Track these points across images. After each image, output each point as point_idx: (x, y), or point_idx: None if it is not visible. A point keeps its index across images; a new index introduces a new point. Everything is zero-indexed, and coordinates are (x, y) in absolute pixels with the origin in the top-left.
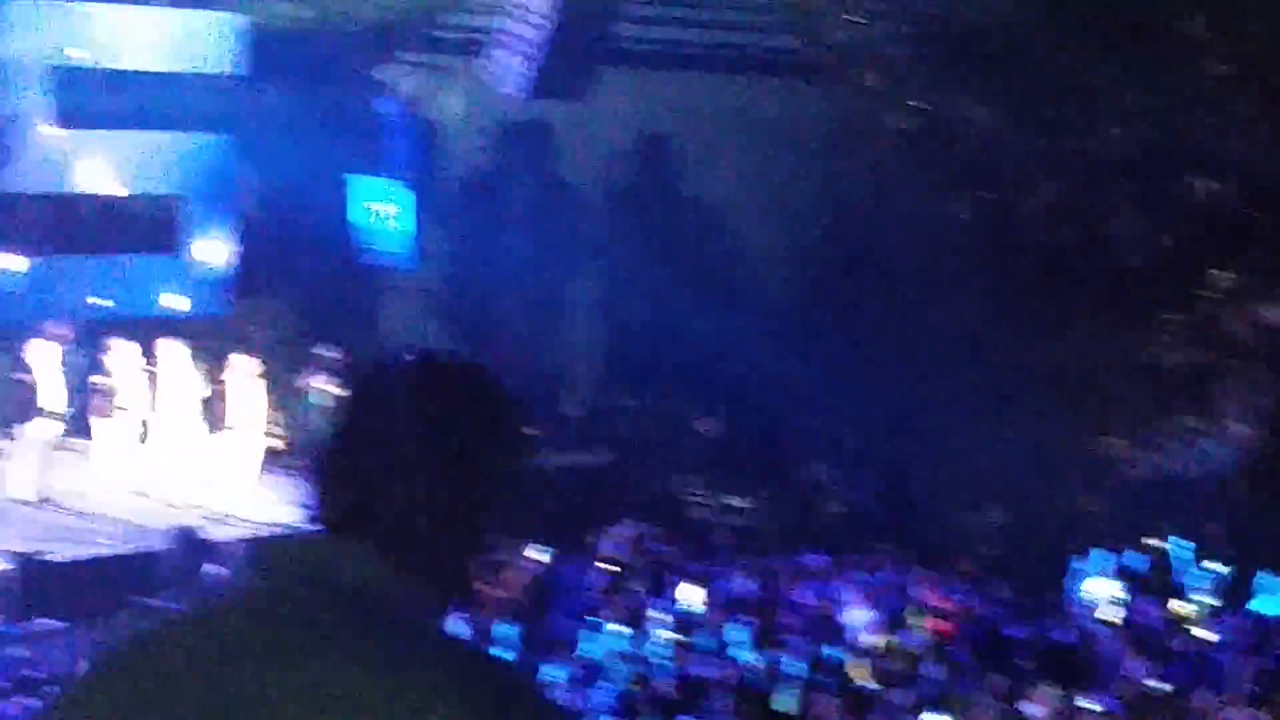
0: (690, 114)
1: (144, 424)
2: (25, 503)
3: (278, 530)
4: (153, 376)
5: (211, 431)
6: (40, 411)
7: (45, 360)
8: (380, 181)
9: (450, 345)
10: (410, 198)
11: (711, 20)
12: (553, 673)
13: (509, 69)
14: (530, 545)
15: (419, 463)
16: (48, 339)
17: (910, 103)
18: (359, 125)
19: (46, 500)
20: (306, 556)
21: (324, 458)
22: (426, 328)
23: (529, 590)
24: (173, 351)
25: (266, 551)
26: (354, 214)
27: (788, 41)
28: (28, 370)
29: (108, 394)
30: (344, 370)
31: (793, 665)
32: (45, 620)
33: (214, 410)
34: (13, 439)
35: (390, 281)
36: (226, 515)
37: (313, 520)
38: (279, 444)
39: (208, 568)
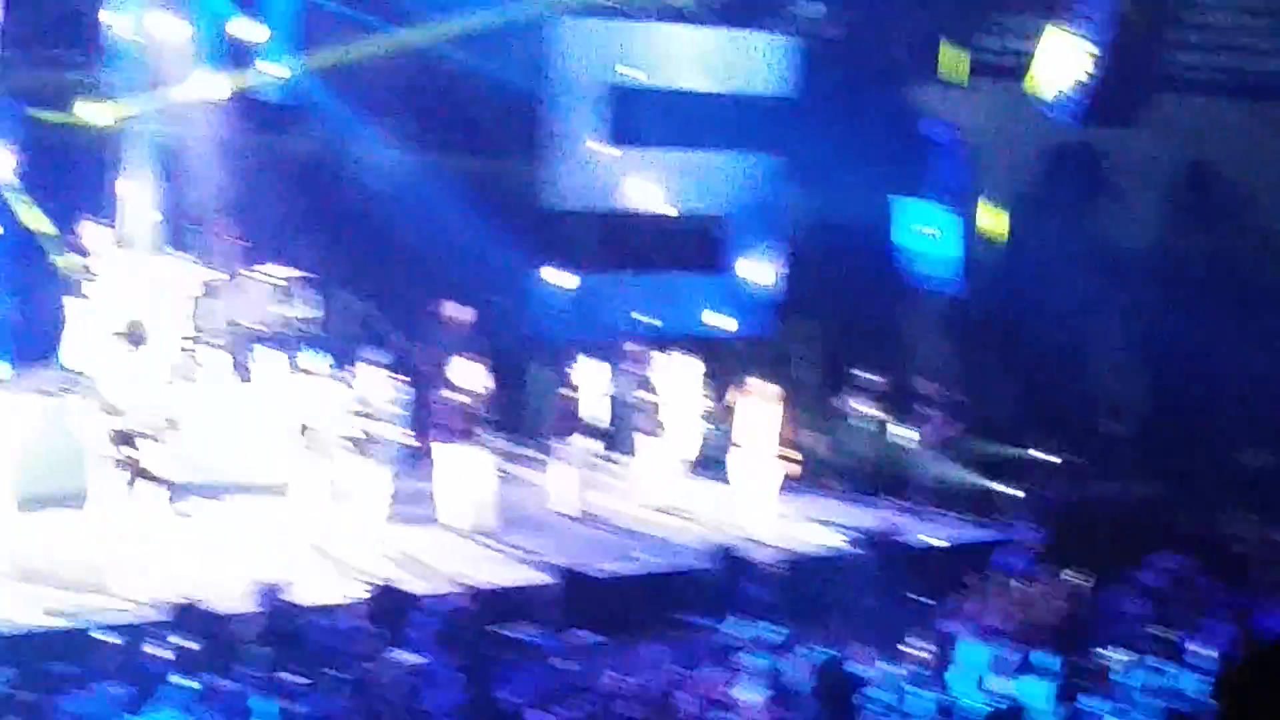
0: (1242, 142)
1: (678, 441)
2: (567, 516)
3: (811, 552)
4: (691, 395)
5: (743, 451)
6: (584, 427)
7: (591, 376)
8: (925, 204)
9: (993, 370)
10: (955, 221)
11: (1270, 48)
12: (1090, 704)
13: (1060, 93)
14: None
15: None
16: (624, 358)
17: None
18: (904, 147)
19: (587, 515)
20: None
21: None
22: (969, 353)
23: (1068, 618)
24: (709, 370)
25: None
26: (898, 236)
27: None
28: (574, 386)
29: (650, 411)
30: (882, 393)
31: None
32: (583, 633)
33: (747, 430)
34: (558, 454)
35: (933, 305)
36: (759, 537)
37: None
38: (816, 465)
39: (749, 589)
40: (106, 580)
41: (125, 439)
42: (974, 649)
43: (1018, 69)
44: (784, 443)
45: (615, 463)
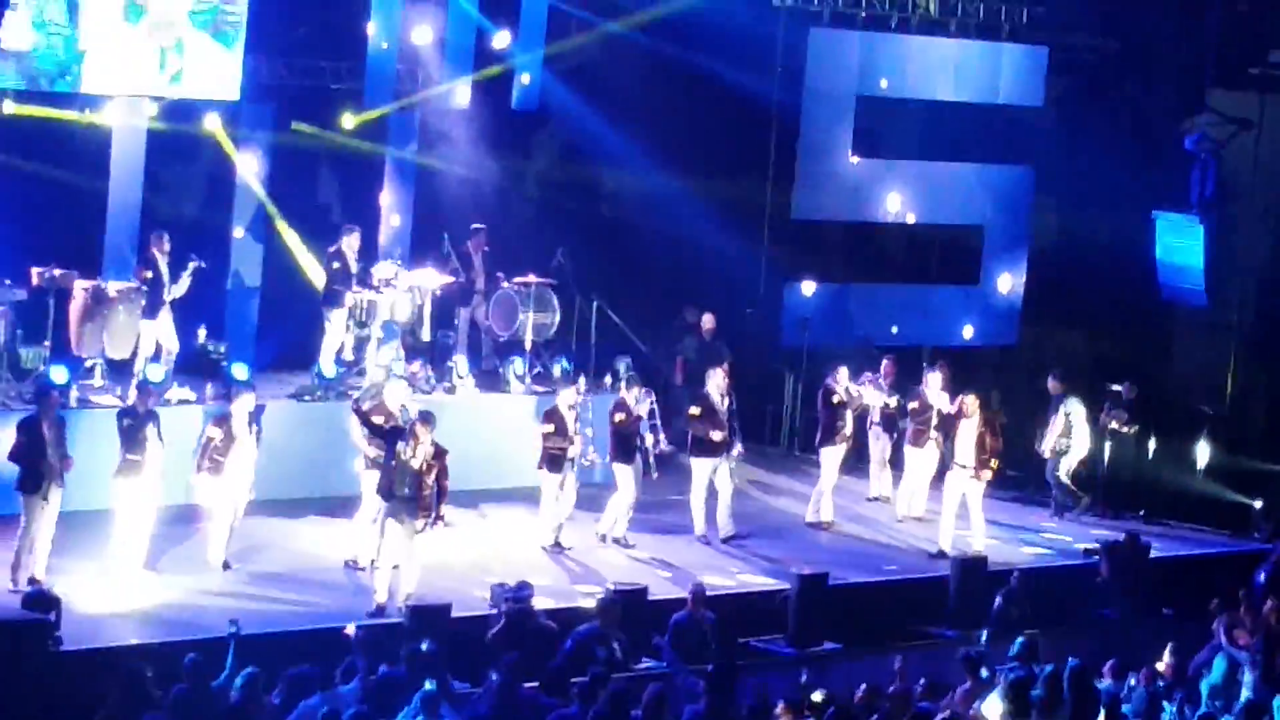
0: None
1: (927, 452)
2: (813, 525)
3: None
4: (940, 405)
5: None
6: (834, 437)
7: (841, 386)
8: (1177, 217)
9: (1244, 385)
10: (1206, 234)
11: None
12: None
13: None
14: None
15: None
16: (873, 368)
17: None
18: (1157, 159)
19: (834, 524)
20: None
21: None
22: (1218, 366)
23: None
24: (961, 380)
25: None
26: (1150, 249)
27: None
28: (824, 396)
29: (899, 422)
30: (1136, 407)
31: None
32: (828, 643)
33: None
34: (808, 463)
35: (1184, 317)
36: (1000, 548)
37: None
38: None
39: (996, 599)
40: (358, 581)
41: (384, 443)
42: (1223, 663)
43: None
44: (980, 458)
45: (863, 472)
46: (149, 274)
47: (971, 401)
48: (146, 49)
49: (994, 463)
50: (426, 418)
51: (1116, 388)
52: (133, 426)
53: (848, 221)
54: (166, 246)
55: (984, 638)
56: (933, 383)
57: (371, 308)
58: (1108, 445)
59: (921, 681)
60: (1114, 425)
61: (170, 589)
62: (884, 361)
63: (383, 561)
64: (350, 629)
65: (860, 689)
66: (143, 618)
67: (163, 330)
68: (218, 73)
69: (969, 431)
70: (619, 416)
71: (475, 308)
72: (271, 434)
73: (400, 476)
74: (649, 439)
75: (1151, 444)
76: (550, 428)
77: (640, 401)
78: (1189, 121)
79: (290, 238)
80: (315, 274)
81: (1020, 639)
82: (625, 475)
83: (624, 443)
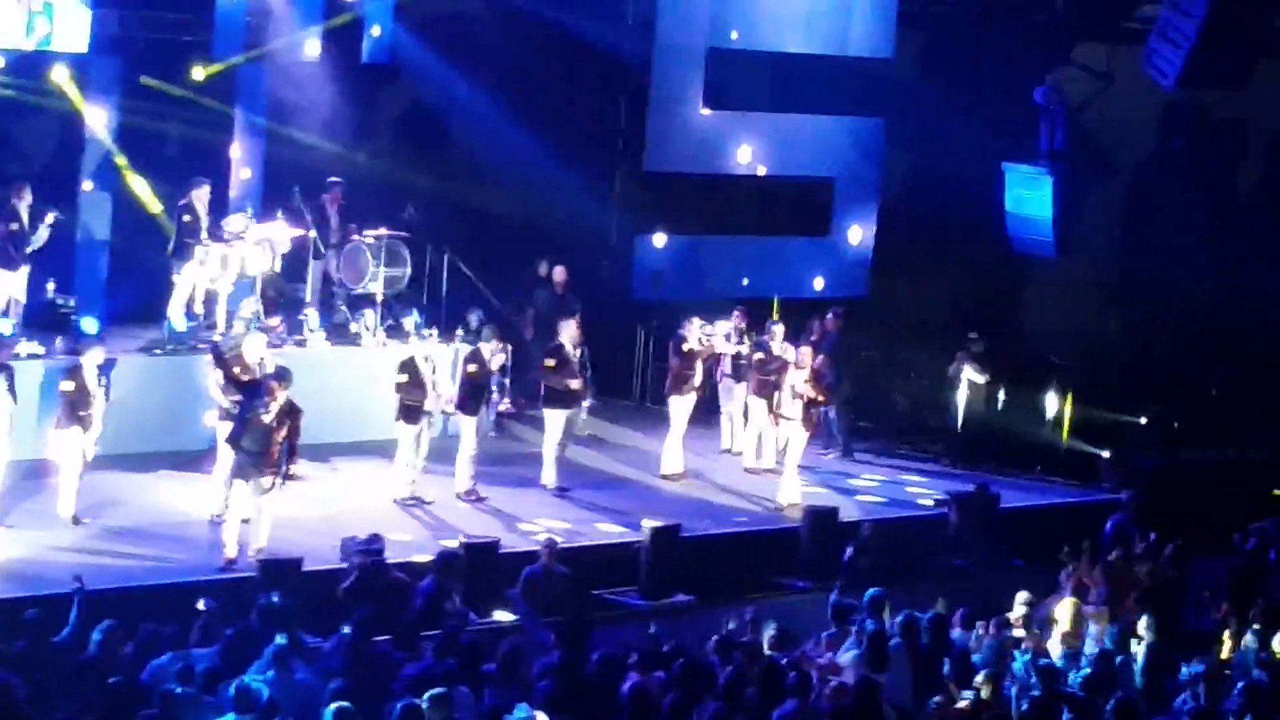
0: None
1: (777, 404)
2: (665, 477)
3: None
4: (788, 358)
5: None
6: (683, 389)
7: (693, 338)
8: (1026, 169)
9: (1094, 337)
10: (1055, 186)
11: None
12: (1188, 670)
13: (1165, 59)
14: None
15: None
16: (724, 321)
17: None
18: (1010, 112)
19: (679, 476)
20: None
21: None
22: (1068, 318)
23: (1165, 584)
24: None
25: None
26: (1000, 201)
27: None
28: (675, 348)
29: (750, 373)
30: (987, 358)
31: None
32: (680, 596)
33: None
34: (659, 415)
35: (1037, 270)
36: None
37: None
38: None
39: (847, 550)
40: (208, 536)
41: (240, 396)
42: (1070, 614)
43: (1128, 34)
44: (801, 408)
45: (713, 425)
46: (14, 226)
47: (806, 353)
48: (14, 12)
49: (812, 408)
50: (282, 375)
51: (969, 338)
52: None
53: (699, 174)
54: (27, 198)
55: (831, 587)
56: (777, 334)
57: (222, 261)
58: (959, 396)
59: (770, 632)
60: (964, 376)
61: (19, 544)
62: (734, 312)
63: (231, 516)
64: (201, 604)
65: (712, 640)
66: None
67: (16, 283)
68: (71, 24)
69: (798, 382)
70: (471, 367)
71: (327, 261)
72: (122, 388)
73: (251, 431)
74: (495, 395)
75: (1002, 395)
76: (405, 378)
77: (494, 355)
78: (1046, 75)
79: (140, 191)
80: (166, 225)
81: (869, 592)
82: (469, 426)
83: (473, 393)
